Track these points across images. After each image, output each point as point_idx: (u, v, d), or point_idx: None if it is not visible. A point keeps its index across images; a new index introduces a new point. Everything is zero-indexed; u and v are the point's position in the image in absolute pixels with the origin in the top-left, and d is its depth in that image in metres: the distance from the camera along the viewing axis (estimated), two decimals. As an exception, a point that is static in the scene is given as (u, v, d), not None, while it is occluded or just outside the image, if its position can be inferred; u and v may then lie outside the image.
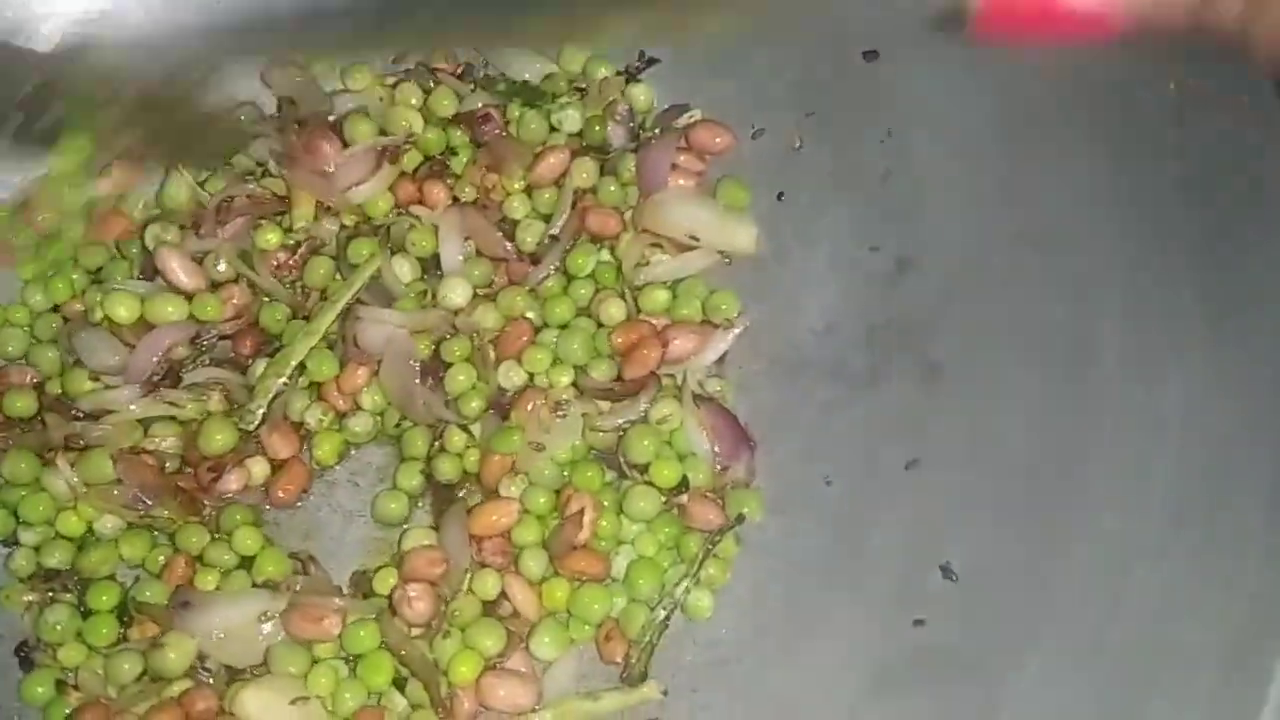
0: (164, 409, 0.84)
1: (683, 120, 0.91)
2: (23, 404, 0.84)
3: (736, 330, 0.87)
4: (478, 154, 0.91)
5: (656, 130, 0.91)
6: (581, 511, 0.80)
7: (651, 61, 0.92)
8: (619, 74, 0.93)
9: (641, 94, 0.92)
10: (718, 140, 0.89)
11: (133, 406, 0.84)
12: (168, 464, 0.84)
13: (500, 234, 0.89)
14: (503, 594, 0.80)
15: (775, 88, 0.88)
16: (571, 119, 0.91)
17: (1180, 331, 0.65)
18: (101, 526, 0.82)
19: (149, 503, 0.81)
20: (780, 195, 0.88)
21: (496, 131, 0.90)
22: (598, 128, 0.91)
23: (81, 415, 0.84)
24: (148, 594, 0.80)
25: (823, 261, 0.86)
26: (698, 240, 0.87)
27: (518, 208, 0.90)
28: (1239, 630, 0.59)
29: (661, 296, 0.87)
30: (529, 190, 0.90)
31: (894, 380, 0.81)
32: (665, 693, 0.78)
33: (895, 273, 0.83)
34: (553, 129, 0.91)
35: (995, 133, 0.78)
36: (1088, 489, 0.68)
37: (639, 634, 0.79)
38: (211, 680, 0.78)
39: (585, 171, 0.90)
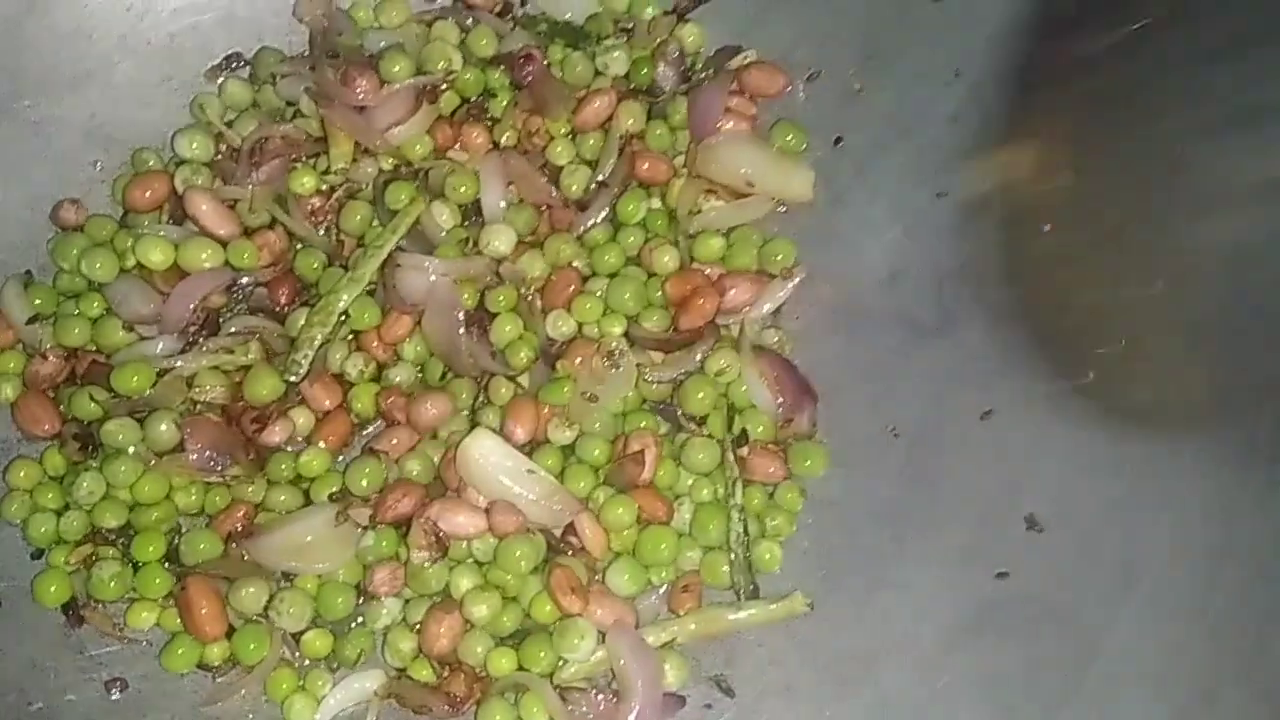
0: (211, 359, 0.81)
1: (735, 62, 0.88)
2: (138, 380, 0.80)
3: (795, 279, 0.84)
4: (518, 97, 0.88)
5: (708, 72, 0.88)
6: (642, 451, 0.77)
7: (702, 0, 0.89)
8: (668, 13, 0.90)
9: (691, 34, 0.89)
10: (772, 83, 0.87)
11: (179, 361, 0.80)
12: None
13: (545, 179, 0.86)
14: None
15: (834, 28, 0.85)
16: (618, 61, 0.88)
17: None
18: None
19: (222, 464, 0.79)
20: (838, 140, 0.86)
21: (538, 73, 0.87)
22: (645, 70, 0.88)
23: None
24: (202, 546, 0.77)
25: (885, 208, 0.83)
26: (753, 186, 0.84)
27: (561, 153, 0.87)
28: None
29: (716, 244, 0.84)
30: (573, 135, 0.87)
31: (965, 328, 0.78)
32: (811, 605, 0.75)
33: (961, 219, 0.80)
34: (598, 72, 0.88)
35: (1063, 70, 0.75)
36: (1181, 437, 0.66)
37: (730, 548, 0.77)
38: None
39: (633, 115, 0.87)
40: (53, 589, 0.77)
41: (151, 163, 0.87)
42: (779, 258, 0.84)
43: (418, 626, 0.76)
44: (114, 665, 0.78)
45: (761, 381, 0.81)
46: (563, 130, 0.87)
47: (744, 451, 0.80)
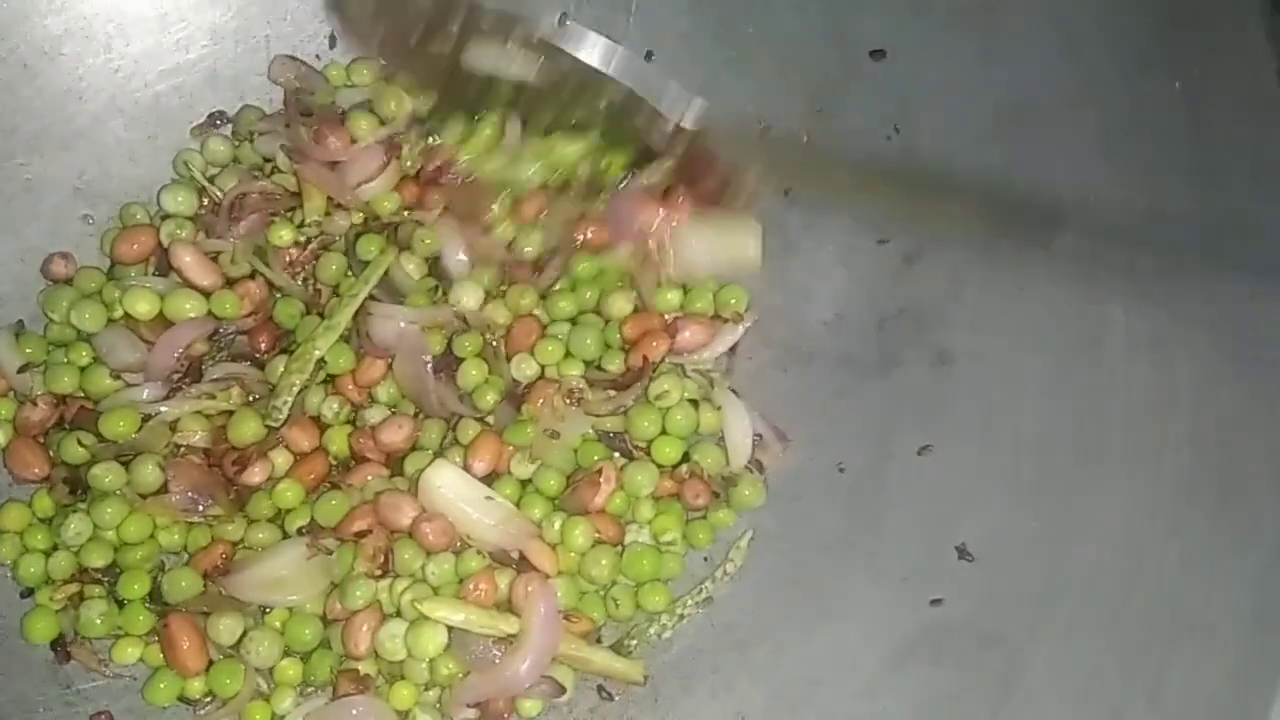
0: (194, 405, 0.84)
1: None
2: (125, 425, 0.83)
3: (746, 324, 0.89)
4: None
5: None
6: (600, 471, 0.82)
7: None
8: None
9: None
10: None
11: (163, 407, 0.84)
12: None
13: (497, 244, 0.89)
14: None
15: (783, 85, 0.89)
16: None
17: (1188, 312, 0.68)
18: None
19: (203, 504, 0.82)
20: (787, 191, 0.90)
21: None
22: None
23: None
24: (183, 584, 0.81)
25: (831, 254, 0.88)
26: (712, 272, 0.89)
27: (506, 232, 0.89)
28: (1255, 598, 0.61)
29: (673, 298, 0.89)
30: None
31: (904, 368, 0.82)
32: (646, 679, 0.80)
33: (903, 264, 0.84)
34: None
35: (1000, 125, 0.80)
36: (1101, 468, 0.70)
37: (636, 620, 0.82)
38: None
39: (568, 203, 0.89)
40: (40, 626, 0.81)
41: (139, 217, 0.91)
42: (732, 302, 0.89)
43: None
44: (99, 699, 0.81)
45: (745, 418, 0.85)
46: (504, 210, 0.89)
47: (683, 472, 0.84)
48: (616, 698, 0.81)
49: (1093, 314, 0.72)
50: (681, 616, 0.82)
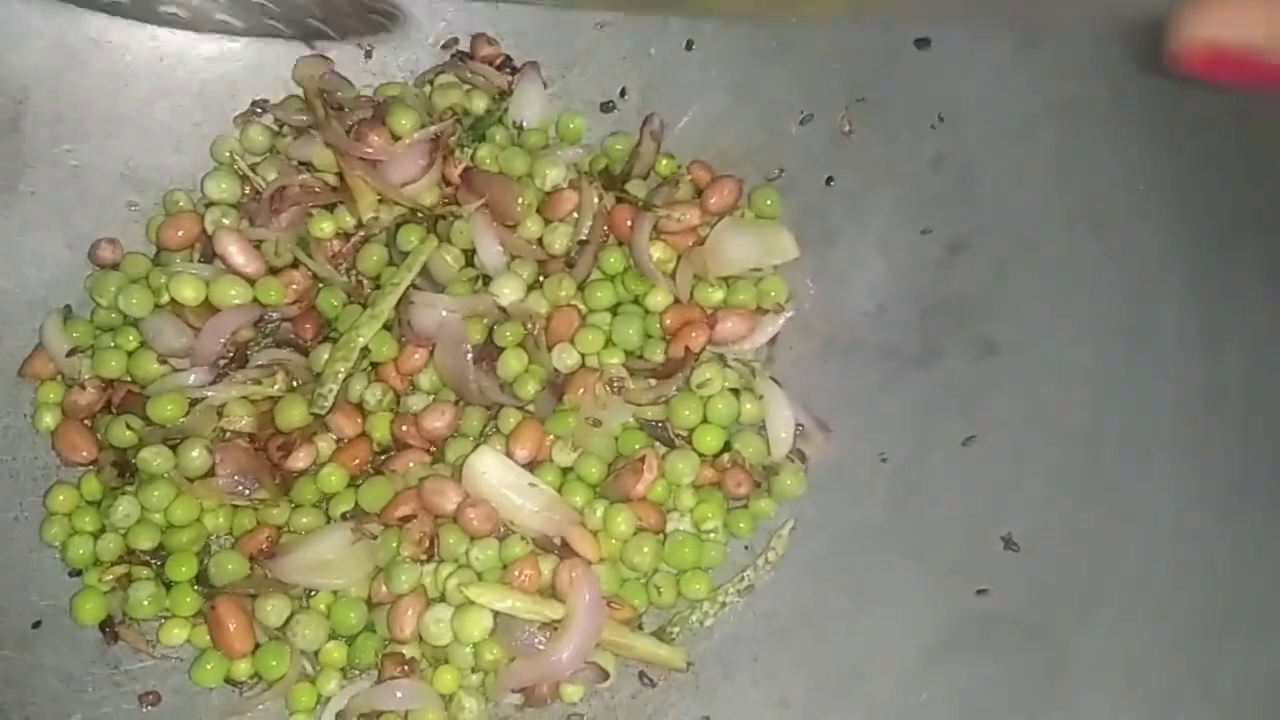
0: (240, 390, 0.85)
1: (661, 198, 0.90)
2: (172, 409, 0.84)
3: (787, 314, 0.89)
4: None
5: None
6: (642, 459, 0.82)
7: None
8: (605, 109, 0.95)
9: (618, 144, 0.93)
10: (728, 194, 0.90)
11: (210, 392, 0.85)
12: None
13: (527, 242, 0.90)
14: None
15: (825, 74, 0.89)
16: (555, 175, 0.90)
17: (1240, 304, 0.67)
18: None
19: (249, 488, 0.83)
20: (829, 180, 0.90)
21: (482, 186, 0.89)
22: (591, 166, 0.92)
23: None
24: (229, 567, 0.82)
25: (873, 244, 0.88)
26: (757, 271, 0.90)
27: (532, 229, 0.90)
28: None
29: (715, 294, 0.89)
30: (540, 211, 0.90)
31: (947, 359, 0.82)
32: (689, 665, 0.81)
33: (947, 255, 0.84)
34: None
35: (1046, 116, 0.79)
36: (1149, 459, 0.70)
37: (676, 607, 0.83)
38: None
39: (598, 193, 0.90)
40: (89, 607, 0.82)
41: (182, 203, 0.91)
42: (772, 294, 0.89)
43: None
44: (146, 680, 0.82)
45: (787, 408, 0.85)
46: (531, 208, 0.89)
47: (724, 462, 0.85)
48: (659, 684, 0.81)
49: (1141, 304, 0.72)
50: (723, 604, 0.83)
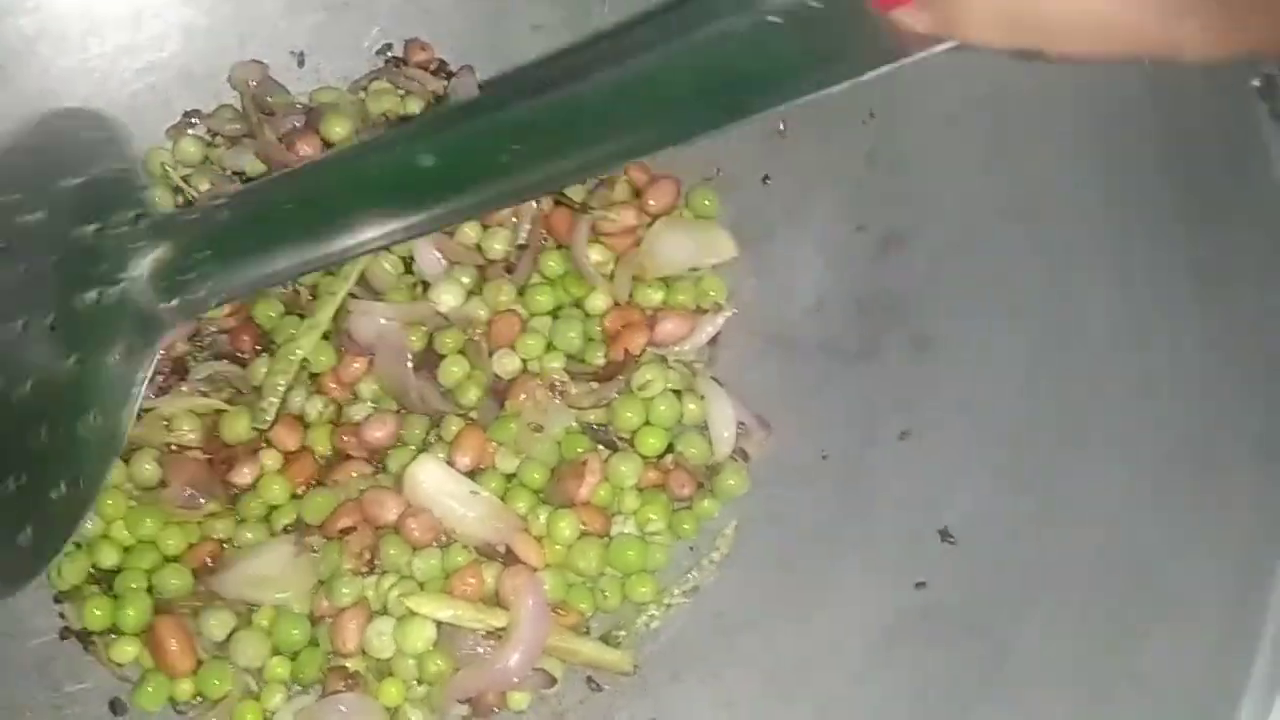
0: (187, 402, 0.84)
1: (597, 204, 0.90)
2: None
3: (726, 314, 0.89)
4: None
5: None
6: (584, 463, 0.82)
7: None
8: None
9: None
10: (667, 195, 0.90)
11: (158, 403, 0.84)
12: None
13: (465, 247, 0.89)
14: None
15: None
16: None
17: (1168, 295, 0.68)
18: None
19: (203, 499, 0.82)
20: (765, 179, 0.90)
21: None
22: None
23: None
24: (174, 581, 0.81)
25: (810, 241, 0.88)
26: (692, 269, 0.89)
27: (470, 234, 0.89)
28: (1234, 575, 0.62)
29: (655, 295, 0.89)
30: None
31: (885, 354, 0.83)
32: (635, 668, 0.81)
33: (882, 250, 0.85)
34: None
35: (978, 109, 0.80)
36: (1083, 450, 0.70)
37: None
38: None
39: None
40: (99, 613, 0.80)
41: (113, 218, 0.90)
42: (711, 294, 0.89)
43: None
44: (88, 702, 0.80)
45: (728, 406, 0.85)
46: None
47: (667, 463, 0.85)
48: (606, 688, 0.81)
49: (1072, 296, 0.73)
50: (669, 606, 0.83)
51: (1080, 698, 0.64)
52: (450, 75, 0.94)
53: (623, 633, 0.83)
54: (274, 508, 0.83)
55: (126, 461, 0.82)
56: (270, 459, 0.84)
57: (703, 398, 0.86)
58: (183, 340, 0.86)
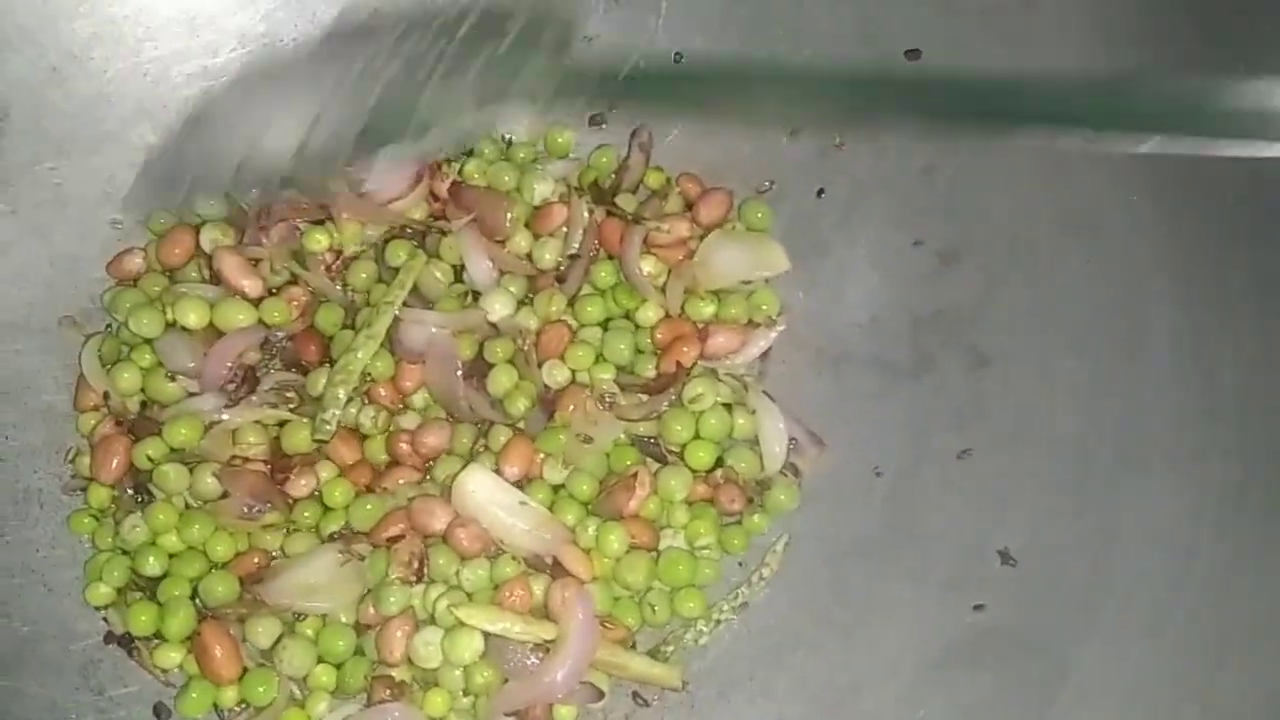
0: (255, 414, 0.84)
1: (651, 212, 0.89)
2: (188, 433, 0.83)
3: (778, 328, 0.88)
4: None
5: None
6: (634, 476, 0.81)
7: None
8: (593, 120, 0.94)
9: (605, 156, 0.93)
10: (718, 208, 0.90)
11: (224, 416, 0.84)
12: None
13: (517, 257, 0.89)
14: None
15: (814, 87, 0.88)
16: (543, 189, 0.90)
17: (1232, 312, 0.67)
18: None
19: (261, 509, 0.82)
20: (820, 192, 0.89)
21: (470, 203, 0.88)
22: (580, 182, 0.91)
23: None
24: (219, 589, 0.81)
25: (864, 256, 0.87)
26: (745, 283, 0.88)
27: (521, 244, 0.89)
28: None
29: (706, 309, 0.88)
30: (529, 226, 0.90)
31: (941, 371, 0.82)
32: (685, 685, 0.80)
33: (939, 265, 0.84)
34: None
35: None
36: (1144, 471, 0.69)
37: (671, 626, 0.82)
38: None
39: (588, 207, 0.89)
40: (144, 618, 0.80)
41: (164, 222, 0.90)
42: (764, 308, 0.89)
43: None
44: (131, 706, 0.81)
45: (780, 422, 0.84)
46: (520, 222, 0.89)
47: (717, 477, 0.84)
48: (653, 703, 0.80)
49: (1135, 314, 0.72)
50: (718, 622, 0.82)
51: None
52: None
53: (670, 648, 0.82)
54: (328, 510, 0.83)
55: (190, 472, 0.83)
56: (327, 470, 0.84)
57: (754, 412, 0.85)
58: (254, 349, 0.86)
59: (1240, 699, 0.60)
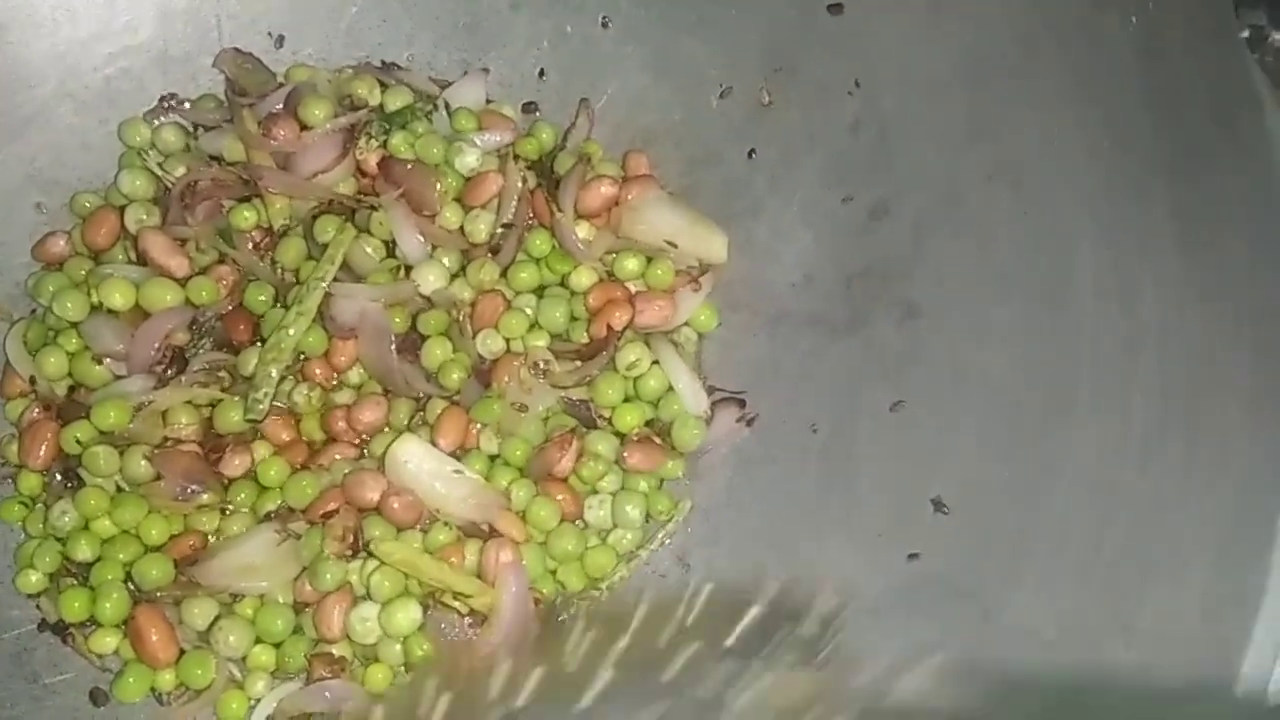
0: (184, 394, 0.83)
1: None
2: (116, 415, 0.82)
3: (703, 290, 0.87)
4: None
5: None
6: (566, 438, 0.81)
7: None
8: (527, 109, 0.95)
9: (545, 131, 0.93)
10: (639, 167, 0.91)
11: (154, 397, 0.82)
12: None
13: (448, 231, 0.88)
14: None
15: (742, 46, 0.88)
16: (470, 160, 0.89)
17: (1153, 248, 0.67)
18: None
19: (195, 490, 0.81)
20: (751, 153, 0.89)
21: (400, 177, 0.87)
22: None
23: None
24: (154, 572, 0.79)
25: (796, 214, 0.87)
26: (674, 246, 0.87)
27: (450, 218, 0.88)
28: (1225, 531, 0.61)
29: (632, 264, 0.87)
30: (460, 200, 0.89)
31: (874, 325, 0.81)
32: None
33: (869, 220, 0.83)
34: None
35: (961, 74, 0.79)
36: (1071, 410, 0.69)
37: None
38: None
39: (521, 174, 0.89)
40: (77, 605, 0.79)
41: (88, 204, 0.89)
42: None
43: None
44: (67, 693, 0.79)
45: (680, 363, 0.85)
46: (450, 195, 0.88)
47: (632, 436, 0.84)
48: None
49: (1058, 258, 0.72)
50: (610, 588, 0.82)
51: (1071, 660, 0.63)
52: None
53: (563, 617, 0.81)
54: (264, 490, 0.82)
55: (121, 455, 0.82)
56: (262, 449, 0.83)
57: (655, 362, 0.85)
58: (182, 329, 0.85)
59: (1162, 632, 0.60)
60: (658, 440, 0.85)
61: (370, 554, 0.78)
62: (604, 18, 0.91)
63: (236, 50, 0.93)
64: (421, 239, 0.87)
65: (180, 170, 0.89)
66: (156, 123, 0.92)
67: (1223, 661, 0.57)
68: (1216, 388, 0.63)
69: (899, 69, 0.82)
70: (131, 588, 0.80)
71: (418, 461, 0.79)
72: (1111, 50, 0.69)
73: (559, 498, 0.81)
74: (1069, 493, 0.67)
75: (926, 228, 0.80)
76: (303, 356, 0.85)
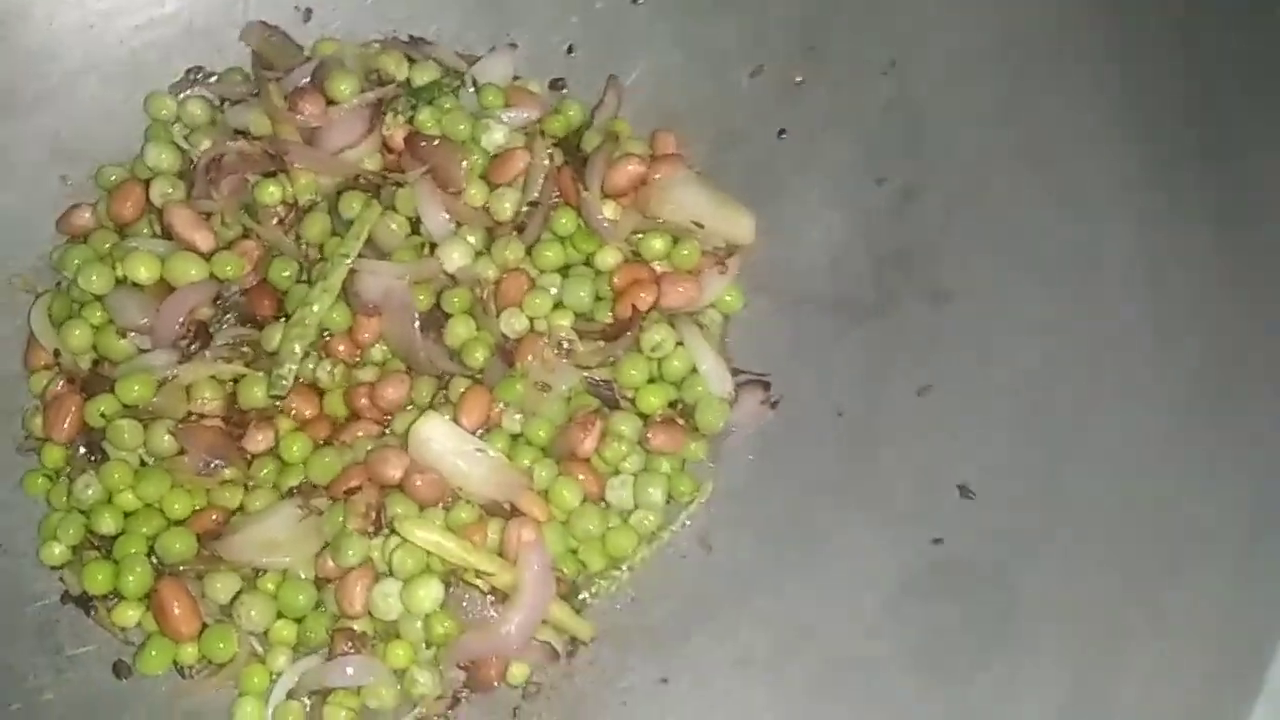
0: (208, 369, 0.83)
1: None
2: (140, 389, 0.82)
3: (730, 271, 0.86)
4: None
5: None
6: (590, 418, 0.81)
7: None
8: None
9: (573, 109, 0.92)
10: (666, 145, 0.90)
11: (177, 372, 0.82)
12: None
13: (474, 209, 0.88)
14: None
15: (775, 24, 0.88)
16: (498, 137, 0.88)
17: (1185, 230, 0.66)
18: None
19: (218, 465, 0.81)
20: (781, 133, 0.88)
21: (426, 155, 0.87)
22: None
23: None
24: (177, 546, 0.80)
25: (825, 196, 0.86)
26: (701, 226, 0.86)
27: (476, 195, 0.87)
28: (1252, 509, 0.60)
29: (658, 244, 0.87)
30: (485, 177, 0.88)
31: (902, 308, 0.81)
32: (593, 638, 0.80)
33: (900, 202, 0.83)
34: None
35: (995, 55, 0.78)
36: (1099, 393, 0.69)
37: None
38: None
39: (547, 151, 0.88)
40: (100, 577, 0.79)
41: (114, 177, 0.89)
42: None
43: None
44: (90, 665, 0.80)
45: (705, 345, 0.84)
46: (476, 173, 0.87)
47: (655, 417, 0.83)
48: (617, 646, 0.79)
49: (1089, 241, 0.71)
50: (630, 569, 0.82)
51: (1096, 644, 0.62)
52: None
53: (583, 596, 0.81)
54: (287, 465, 0.82)
55: (145, 429, 0.82)
56: (285, 425, 0.83)
57: (679, 344, 0.84)
58: (206, 304, 0.85)
59: (1187, 615, 0.60)
60: (681, 422, 0.84)
61: (392, 531, 0.78)
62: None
63: (263, 23, 0.92)
64: (447, 216, 0.86)
65: (206, 144, 0.89)
66: (182, 96, 0.92)
67: (1253, 648, 0.56)
68: (1247, 373, 0.62)
69: (934, 49, 0.81)
70: (154, 561, 0.80)
71: (441, 439, 0.78)
72: (1146, 30, 0.68)
73: (581, 478, 0.81)
74: (1094, 473, 0.66)
75: (957, 210, 0.80)
76: (326, 333, 0.85)
